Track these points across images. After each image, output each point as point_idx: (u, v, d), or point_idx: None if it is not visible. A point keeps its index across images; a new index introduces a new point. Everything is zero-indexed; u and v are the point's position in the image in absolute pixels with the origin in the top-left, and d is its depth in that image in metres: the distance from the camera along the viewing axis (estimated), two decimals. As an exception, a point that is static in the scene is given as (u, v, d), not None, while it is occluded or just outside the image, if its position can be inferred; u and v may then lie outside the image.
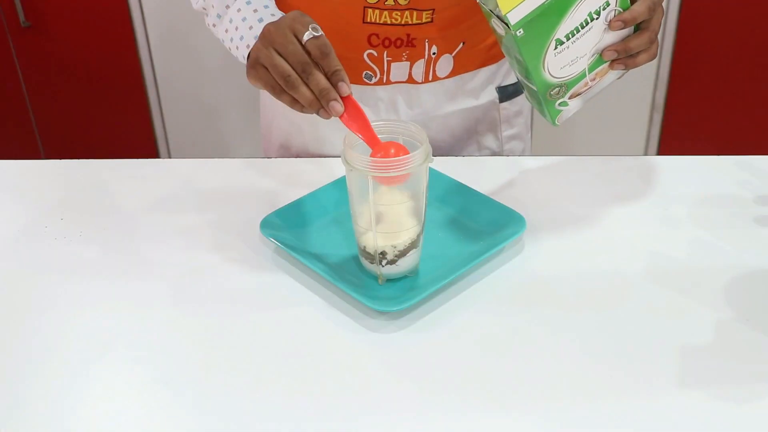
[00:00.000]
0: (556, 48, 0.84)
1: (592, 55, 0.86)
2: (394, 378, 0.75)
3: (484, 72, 1.13)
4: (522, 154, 1.24)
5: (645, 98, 2.21)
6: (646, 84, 2.19)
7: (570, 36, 0.83)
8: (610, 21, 0.83)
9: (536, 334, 0.79)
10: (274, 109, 1.19)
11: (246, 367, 0.76)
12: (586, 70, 0.87)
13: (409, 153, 0.79)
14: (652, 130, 2.27)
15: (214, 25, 1.02)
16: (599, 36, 0.85)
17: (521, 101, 1.19)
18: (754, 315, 0.81)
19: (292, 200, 0.97)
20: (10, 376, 0.76)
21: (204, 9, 1.03)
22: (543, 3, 0.81)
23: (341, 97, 0.80)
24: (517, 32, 0.82)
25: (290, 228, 0.93)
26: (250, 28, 0.93)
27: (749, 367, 0.75)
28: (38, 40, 2.20)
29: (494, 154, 1.20)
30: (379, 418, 0.71)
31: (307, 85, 0.81)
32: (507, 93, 1.17)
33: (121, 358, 0.78)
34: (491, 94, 1.15)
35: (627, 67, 0.87)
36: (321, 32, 0.81)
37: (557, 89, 0.87)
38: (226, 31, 0.98)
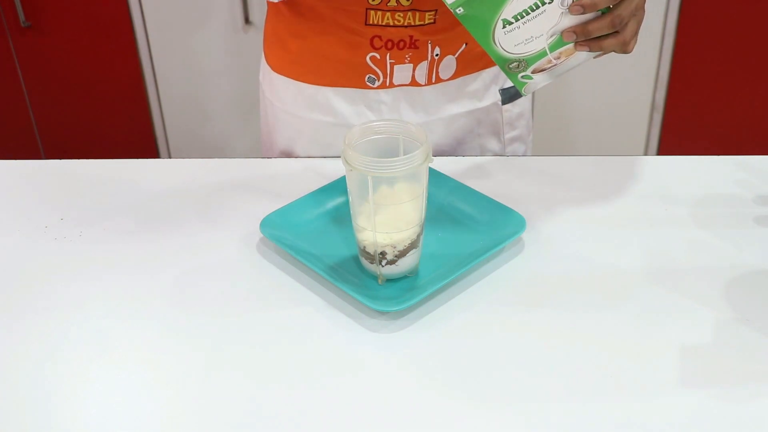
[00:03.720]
0: (504, 27, 0.81)
1: (551, 36, 0.83)
2: (394, 378, 0.75)
3: (487, 73, 1.13)
4: (524, 155, 1.24)
5: (645, 98, 2.22)
6: (646, 84, 2.19)
7: (519, 17, 0.81)
8: (569, 5, 0.81)
9: (536, 334, 0.79)
10: (275, 116, 1.18)
11: (246, 367, 0.76)
12: (547, 49, 0.84)
13: None
14: (652, 130, 2.27)
15: None
16: (556, 19, 0.82)
17: (523, 103, 1.19)
18: (754, 315, 0.81)
19: (292, 200, 0.97)
20: (10, 376, 0.76)
21: None
22: None
23: None
24: (457, 10, 0.79)
25: (290, 228, 0.93)
26: None
27: (749, 367, 0.75)
28: (38, 40, 2.20)
29: (496, 156, 1.20)
30: (379, 417, 0.71)
31: None
32: (509, 95, 1.17)
33: (121, 358, 0.78)
34: (494, 96, 1.15)
35: (592, 50, 0.85)
36: None
37: (516, 63, 0.84)
38: None
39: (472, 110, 1.14)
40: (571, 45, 0.85)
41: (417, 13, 1.01)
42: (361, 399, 0.73)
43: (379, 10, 1.01)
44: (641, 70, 2.17)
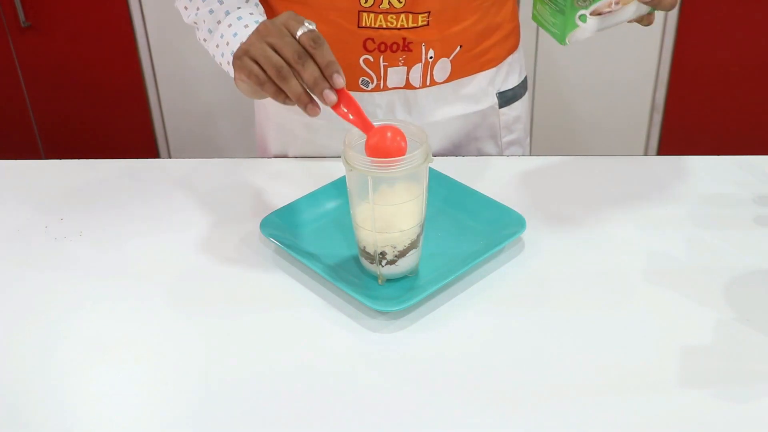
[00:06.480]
0: None
1: None
2: (394, 378, 0.75)
3: (483, 77, 1.12)
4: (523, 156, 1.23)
5: (645, 98, 2.22)
6: (646, 84, 2.19)
7: None
8: None
9: (536, 334, 0.79)
10: (268, 118, 1.19)
11: (245, 367, 0.76)
12: None
13: (404, 134, 0.79)
14: (652, 130, 2.27)
15: (204, 40, 1.02)
16: None
17: (520, 106, 1.19)
18: (754, 315, 0.81)
19: (292, 200, 0.97)
20: (10, 376, 0.76)
21: (195, 23, 1.03)
22: None
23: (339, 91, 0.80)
24: None
25: (290, 228, 0.93)
26: (241, 42, 0.93)
27: (749, 367, 0.75)
28: (38, 40, 2.20)
29: (496, 156, 1.19)
30: (378, 418, 0.71)
31: (297, 79, 0.81)
32: (506, 98, 1.16)
33: (121, 358, 0.78)
34: (491, 100, 1.15)
35: (650, 4, 0.87)
36: (314, 27, 0.81)
37: None
38: (217, 46, 0.98)
39: (468, 114, 1.14)
40: None
41: (410, 16, 1.01)
42: (361, 399, 0.73)
43: (372, 12, 1.00)
44: (641, 70, 2.17)
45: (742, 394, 0.72)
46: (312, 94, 0.82)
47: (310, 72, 0.80)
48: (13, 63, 2.24)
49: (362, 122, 0.80)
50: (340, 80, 0.80)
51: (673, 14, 2.07)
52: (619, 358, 0.76)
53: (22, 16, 2.14)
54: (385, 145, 0.78)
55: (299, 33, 0.81)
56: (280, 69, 0.81)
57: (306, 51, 0.80)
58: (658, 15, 2.15)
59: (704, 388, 0.73)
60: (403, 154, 0.78)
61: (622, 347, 0.77)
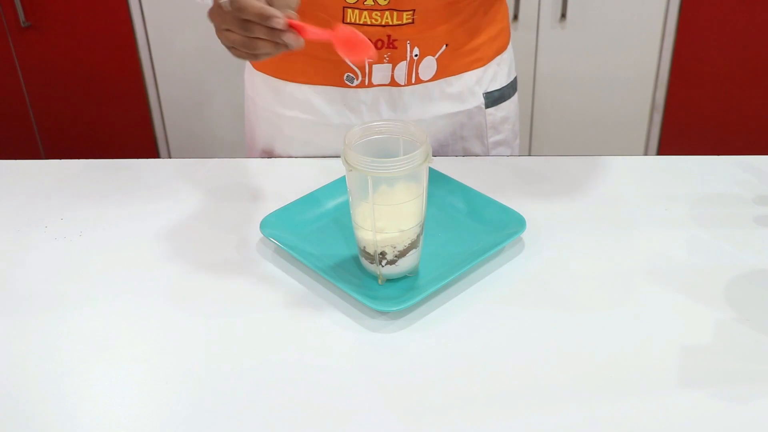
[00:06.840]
0: None
1: None
2: (393, 378, 0.75)
3: (469, 76, 1.12)
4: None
5: (645, 98, 2.22)
6: (646, 84, 2.19)
7: None
8: None
9: (536, 334, 0.79)
10: (256, 114, 1.19)
11: (245, 367, 0.76)
12: None
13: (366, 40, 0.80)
14: (652, 130, 2.27)
15: None
16: None
17: (508, 107, 1.19)
18: (754, 315, 0.81)
19: (292, 200, 0.97)
20: (10, 375, 0.76)
21: None
22: None
23: (290, 26, 0.80)
24: None
25: (290, 228, 0.93)
26: None
27: (749, 367, 0.75)
28: (38, 40, 2.20)
29: (497, 155, 1.19)
30: (378, 418, 0.71)
31: (261, 41, 0.81)
32: (493, 98, 1.16)
33: (121, 358, 0.78)
34: (477, 99, 1.14)
35: None
36: None
37: None
38: None
39: (454, 113, 1.13)
40: None
41: (395, 13, 1.01)
42: (361, 399, 0.73)
43: (356, 8, 1.01)
44: (641, 70, 2.17)
45: (742, 394, 0.72)
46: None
47: (258, 33, 0.80)
48: (13, 63, 2.24)
49: (323, 33, 0.81)
50: (279, 21, 0.79)
51: (673, 14, 2.07)
52: (619, 357, 0.76)
53: (22, 16, 2.14)
54: (356, 38, 0.80)
55: (229, 8, 0.81)
56: (245, 45, 0.82)
57: (243, 19, 0.80)
58: (658, 15, 2.15)
59: (704, 388, 0.73)
60: (370, 46, 0.80)
61: (621, 347, 0.77)
